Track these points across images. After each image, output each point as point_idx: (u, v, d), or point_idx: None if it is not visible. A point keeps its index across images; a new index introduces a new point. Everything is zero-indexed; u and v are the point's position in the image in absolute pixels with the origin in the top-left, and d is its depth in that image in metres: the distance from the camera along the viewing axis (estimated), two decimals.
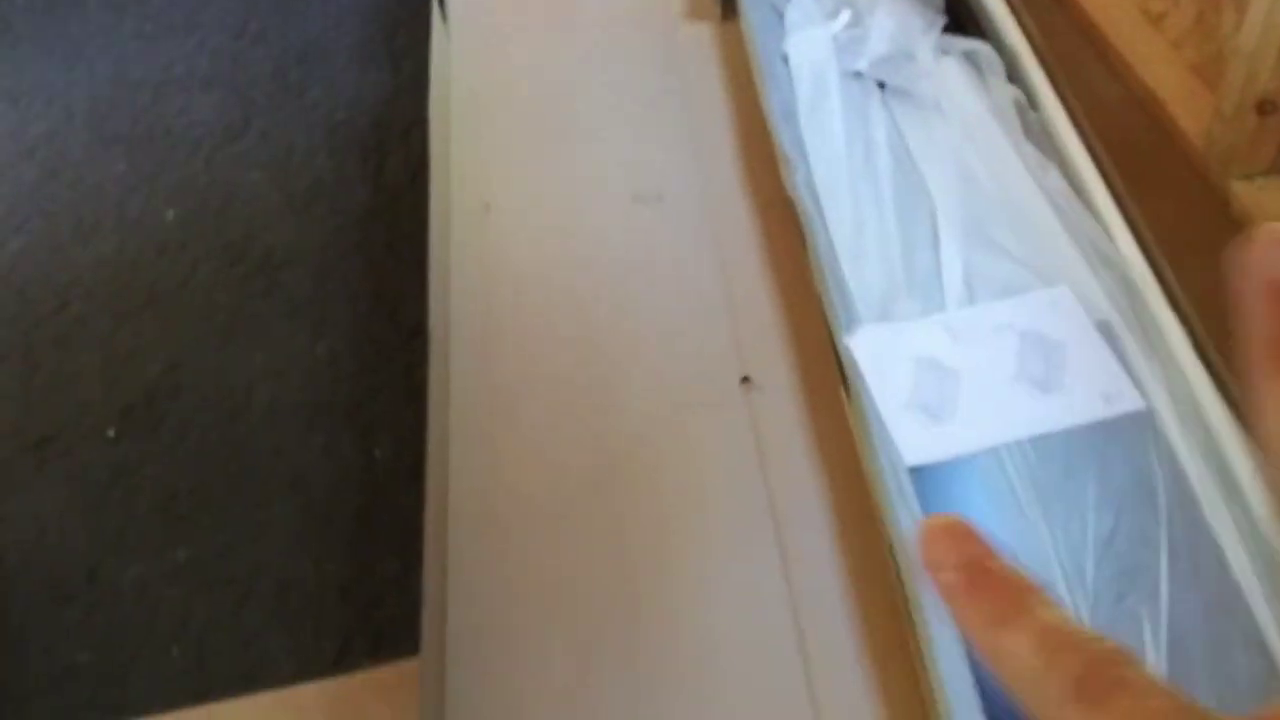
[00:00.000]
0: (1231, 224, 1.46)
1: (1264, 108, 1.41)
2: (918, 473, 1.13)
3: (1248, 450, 1.10)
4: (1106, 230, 1.31)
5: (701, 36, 1.77)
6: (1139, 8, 1.72)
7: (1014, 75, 1.52)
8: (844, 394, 1.25)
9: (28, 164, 1.69)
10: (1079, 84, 1.65)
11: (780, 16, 1.64)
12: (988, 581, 0.24)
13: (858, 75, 1.54)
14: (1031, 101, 1.49)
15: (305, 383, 1.37)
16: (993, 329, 1.24)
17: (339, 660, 1.14)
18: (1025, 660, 0.23)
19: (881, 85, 1.53)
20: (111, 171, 1.66)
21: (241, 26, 1.87)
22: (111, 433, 1.34)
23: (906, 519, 1.10)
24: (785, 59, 1.57)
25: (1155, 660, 0.97)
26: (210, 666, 1.14)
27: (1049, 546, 1.05)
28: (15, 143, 1.72)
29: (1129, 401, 1.17)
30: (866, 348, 1.23)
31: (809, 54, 1.56)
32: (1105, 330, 1.23)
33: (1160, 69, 1.63)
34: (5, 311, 1.49)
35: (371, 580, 1.18)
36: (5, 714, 1.13)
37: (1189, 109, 1.56)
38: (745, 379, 1.33)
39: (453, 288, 1.37)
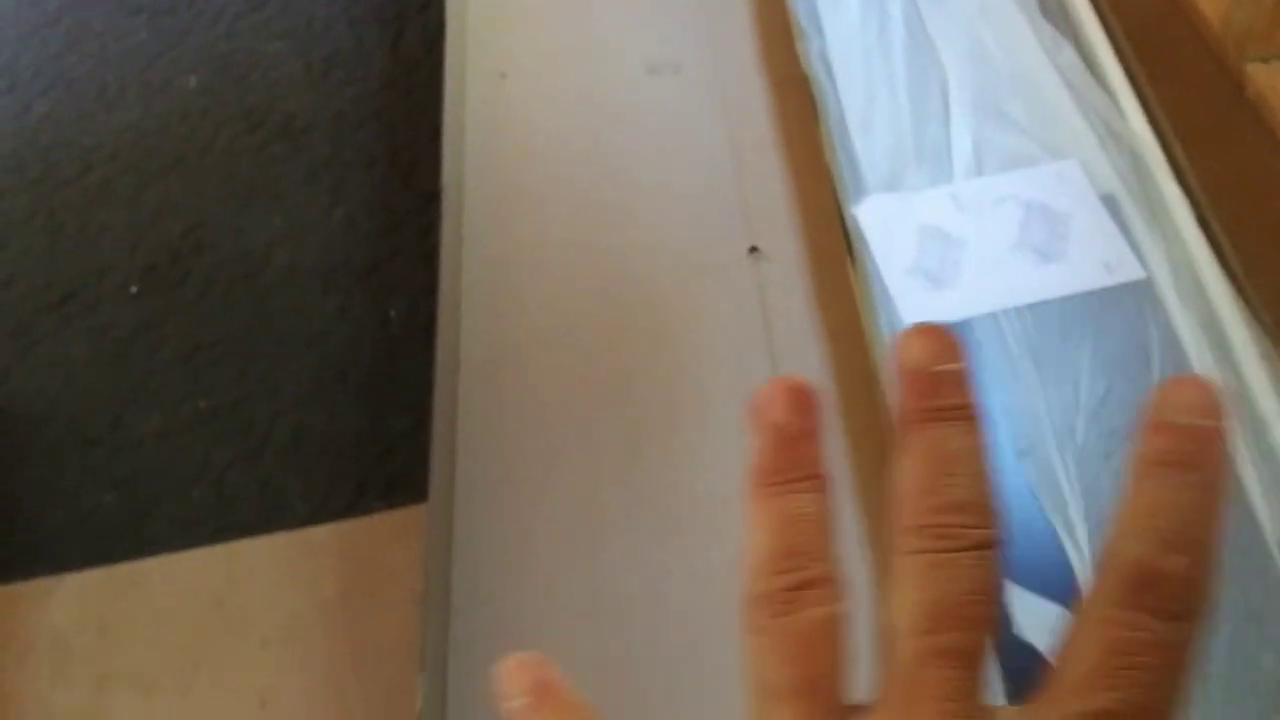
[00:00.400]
0: (1246, 106, 1.44)
1: None
2: None
3: (1243, 319, 1.10)
4: (1117, 106, 1.31)
5: None
6: None
7: None
8: (849, 264, 1.26)
9: (52, 31, 1.69)
10: None
11: None
12: (550, 700, 0.28)
13: None
14: None
15: (322, 245, 1.39)
16: (998, 199, 1.24)
17: (352, 505, 1.17)
18: None
19: None
20: (135, 40, 1.67)
21: None
22: (134, 290, 1.37)
23: None
24: None
25: None
26: (229, 508, 1.18)
27: (1041, 407, 1.07)
28: (39, 10, 1.72)
29: (1129, 271, 1.17)
30: (872, 216, 1.23)
31: None
32: (1110, 203, 1.23)
33: None
34: (30, 174, 1.51)
35: (384, 432, 1.21)
36: (35, 551, 1.18)
37: None
38: (753, 249, 1.34)
39: (467, 152, 1.38)
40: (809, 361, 1.25)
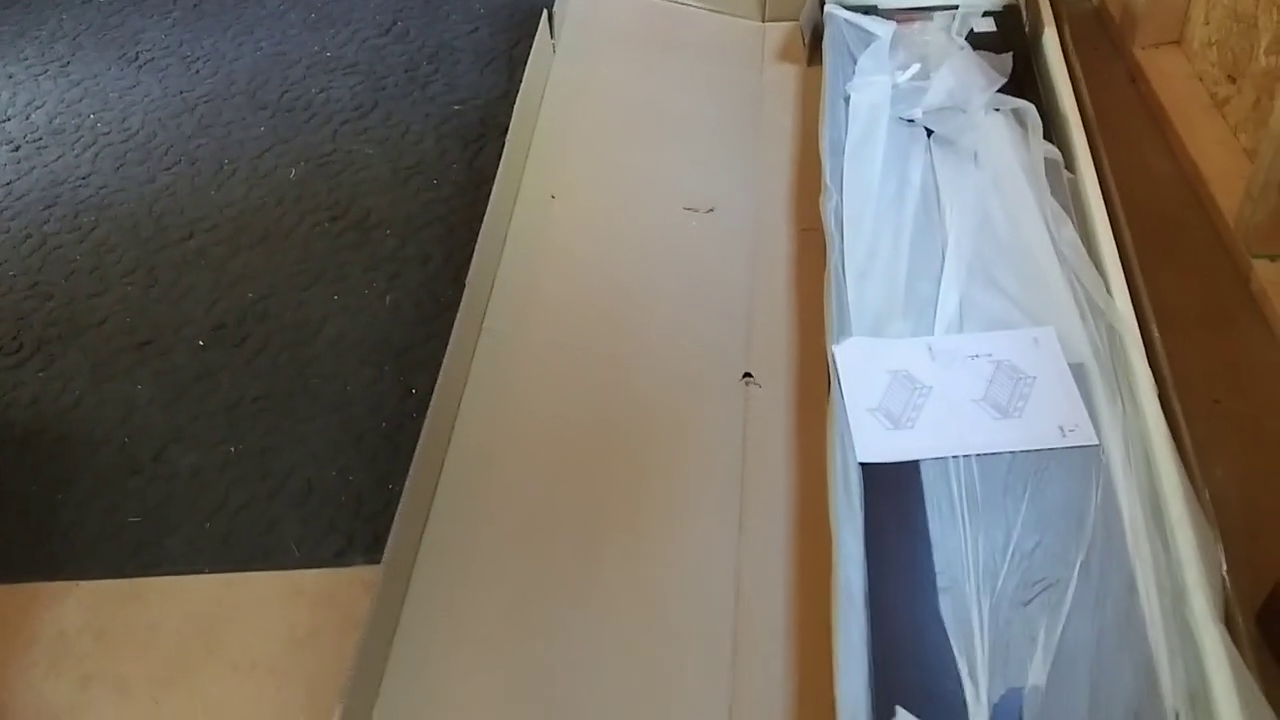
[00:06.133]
0: (1249, 298, 1.45)
1: None
2: (869, 469, 1.18)
3: (1184, 496, 1.10)
4: (1106, 283, 1.33)
5: (786, 76, 1.84)
6: (1207, 91, 1.71)
7: (1060, 138, 1.55)
8: (829, 398, 1.30)
9: (188, 117, 1.88)
10: (1133, 156, 1.66)
11: (855, 64, 1.71)
12: None
13: (910, 122, 1.59)
14: (1069, 163, 1.51)
15: (369, 324, 1.49)
16: (972, 355, 1.27)
17: (339, 555, 1.24)
18: None
19: (929, 132, 1.57)
20: (254, 132, 1.84)
21: (389, 24, 2.03)
22: (202, 343, 1.49)
23: (846, 513, 1.14)
24: (847, 99, 1.64)
25: (1041, 663, 0.99)
26: (234, 544, 1.26)
27: (970, 550, 1.09)
28: (182, 99, 1.91)
29: (1083, 436, 1.19)
30: (848, 355, 1.28)
31: (868, 97, 1.62)
32: (1079, 371, 1.25)
33: (1214, 150, 1.62)
34: (142, 234, 1.67)
35: (383, 493, 1.29)
36: (62, 558, 1.28)
37: (1230, 189, 1.55)
38: (747, 375, 1.39)
39: (505, 257, 1.48)
40: (775, 480, 1.28)
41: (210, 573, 1.24)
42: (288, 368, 1.45)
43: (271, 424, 1.39)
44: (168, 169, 1.78)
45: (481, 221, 1.47)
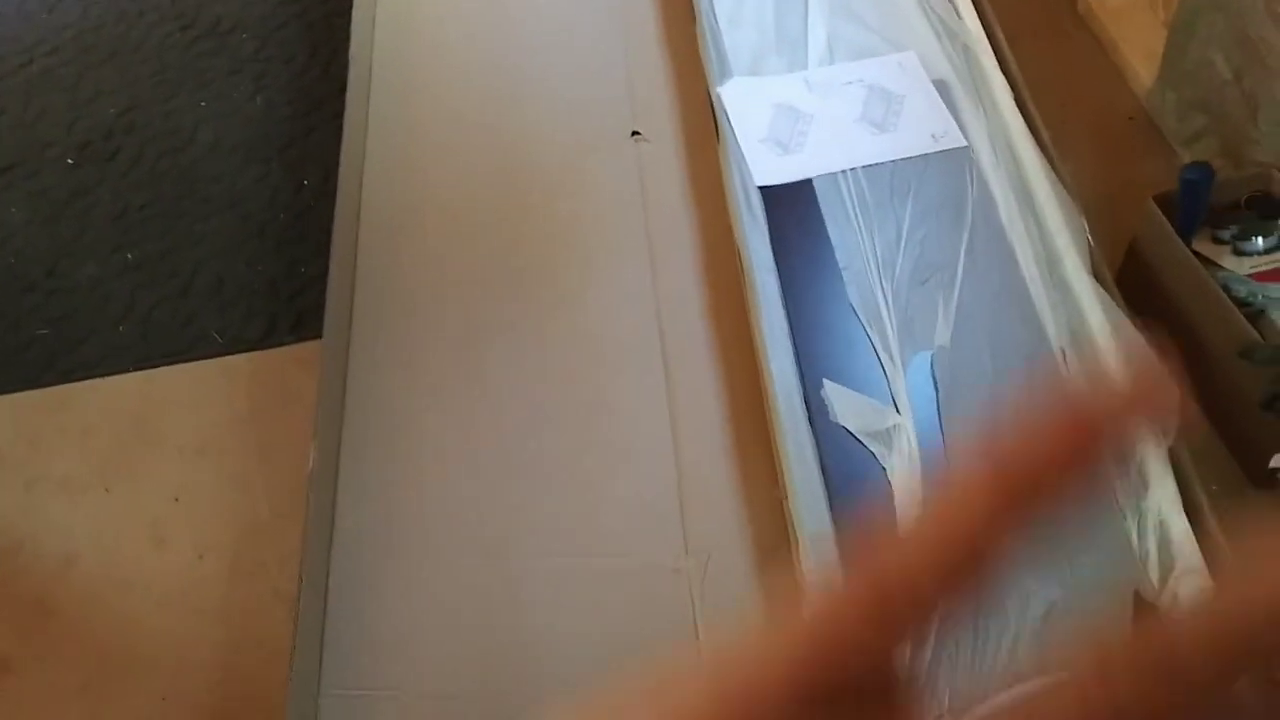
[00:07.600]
0: (1076, 16, 1.58)
1: None
2: (767, 192, 1.26)
3: (1047, 177, 1.23)
4: (955, 8, 1.43)
5: None
6: None
7: None
8: (717, 139, 1.37)
9: None
10: None
11: None
12: None
13: None
14: None
15: (245, 126, 1.47)
16: (845, 83, 1.36)
17: (265, 337, 1.26)
18: None
19: None
20: None
21: None
22: (71, 161, 1.44)
23: (752, 228, 1.23)
24: None
25: (944, 328, 1.11)
26: (153, 341, 1.26)
27: (868, 245, 1.19)
28: None
29: (953, 140, 1.30)
30: (733, 95, 1.35)
31: None
32: (941, 87, 1.35)
33: None
34: None
35: (297, 277, 1.30)
36: None
37: None
38: (635, 133, 1.44)
39: (377, 40, 1.47)
40: (677, 223, 1.35)
41: (135, 371, 1.24)
42: (169, 174, 1.43)
43: (164, 228, 1.37)
44: None
45: (338, 16, 1.46)
